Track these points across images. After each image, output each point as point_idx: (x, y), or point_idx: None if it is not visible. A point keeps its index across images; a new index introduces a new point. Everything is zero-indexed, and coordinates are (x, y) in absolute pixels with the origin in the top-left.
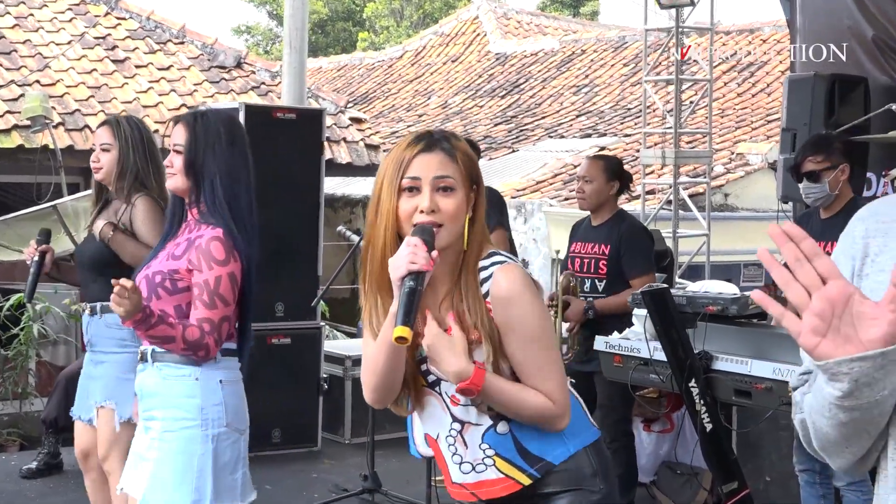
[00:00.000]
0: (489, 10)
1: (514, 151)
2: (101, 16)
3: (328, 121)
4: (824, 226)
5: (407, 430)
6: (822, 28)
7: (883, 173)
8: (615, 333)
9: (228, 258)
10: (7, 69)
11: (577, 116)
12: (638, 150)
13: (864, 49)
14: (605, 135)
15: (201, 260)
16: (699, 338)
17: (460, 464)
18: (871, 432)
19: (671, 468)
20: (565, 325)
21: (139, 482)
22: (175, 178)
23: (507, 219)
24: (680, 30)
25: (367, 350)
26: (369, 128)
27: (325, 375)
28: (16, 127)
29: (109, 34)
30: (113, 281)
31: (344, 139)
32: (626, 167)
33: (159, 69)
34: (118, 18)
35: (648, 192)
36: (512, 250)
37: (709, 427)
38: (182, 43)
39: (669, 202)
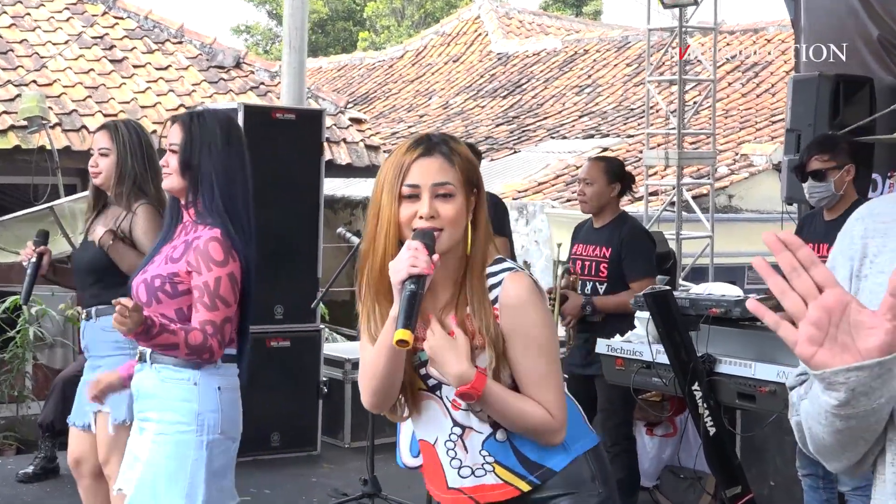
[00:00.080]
0: (491, 10)
1: (515, 152)
2: (99, 15)
3: (328, 121)
4: (828, 227)
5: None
6: (827, 28)
7: (888, 174)
8: (617, 336)
9: (227, 259)
10: (3, 69)
11: (580, 117)
12: (641, 151)
13: (870, 49)
14: (607, 135)
15: (200, 262)
16: (702, 341)
17: (459, 468)
18: (868, 439)
19: (674, 472)
20: (562, 320)
21: (133, 482)
22: (171, 178)
23: (508, 226)
24: (683, 29)
25: (364, 355)
26: (369, 128)
27: (324, 378)
28: (12, 127)
29: (107, 34)
30: (114, 301)
31: (344, 140)
32: (628, 168)
33: (157, 69)
34: (116, 18)
35: (651, 194)
36: (512, 258)
37: (712, 431)
38: (180, 43)
39: (673, 204)
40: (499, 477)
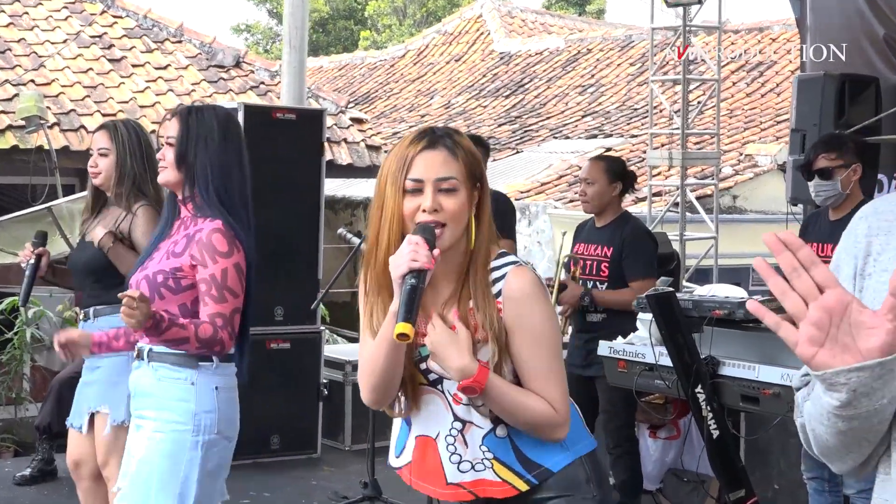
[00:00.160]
0: (493, 9)
1: (518, 152)
2: (97, 14)
3: (329, 121)
4: (833, 227)
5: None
6: (832, 27)
7: (894, 175)
8: (619, 338)
9: (231, 249)
10: (1, 68)
11: (583, 117)
12: (644, 151)
13: (875, 48)
14: (610, 135)
15: (204, 254)
16: (705, 342)
17: (459, 463)
18: (871, 440)
19: (677, 476)
20: (558, 309)
21: (127, 477)
22: (166, 172)
23: (514, 227)
24: (687, 28)
25: (364, 349)
26: (370, 128)
27: (324, 380)
28: (10, 127)
29: (105, 33)
30: (120, 294)
31: (345, 140)
32: (630, 167)
33: (156, 68)
34: (114, 17)
35: (655, 194)
36: None
37: (715, 434)
38: (180, 42)
39: (676, 204)
40: (497, 475)
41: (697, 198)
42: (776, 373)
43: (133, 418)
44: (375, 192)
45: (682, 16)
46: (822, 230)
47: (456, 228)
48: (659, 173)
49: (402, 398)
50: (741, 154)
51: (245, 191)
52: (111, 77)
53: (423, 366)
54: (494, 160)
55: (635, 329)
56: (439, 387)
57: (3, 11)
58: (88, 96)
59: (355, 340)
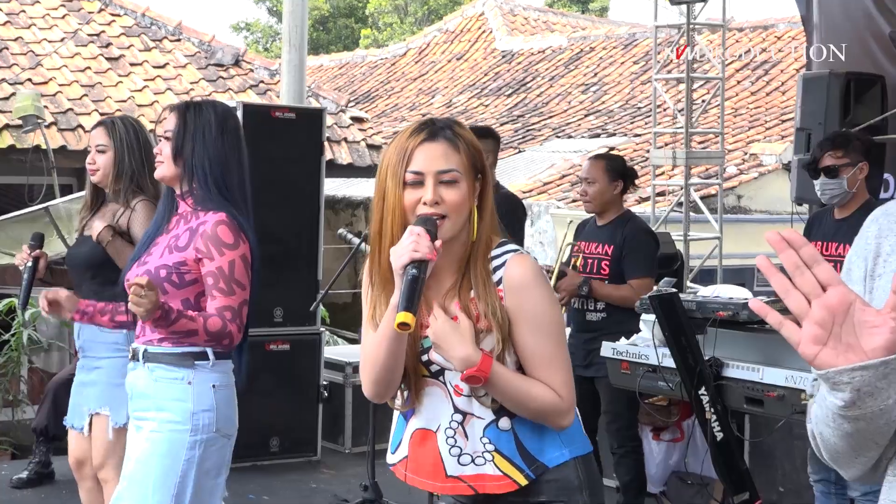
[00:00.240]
0: (495, 7)
1: (520, 152)
2: (95, 12)
3: (329, 120)
4: (838, 226)
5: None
6: (837, 25)
7: None
8: (623, 339)
9: (237, 240)
10: None
11: (586, 116)
12: (648, 151)
13: (881, 46)
14: (614, 135)
15: (210, 247)
16: (709, 344)
17: (459, 455)
18: (879, 442)
19: (681, 478)
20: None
21: (125, 477)
22: (163, 166)
23: (523, 230)
24: (691, 26)
25: (366, 342)
26: (371, 127)
27: (324, 382)
28: (7, 126)
29: (103, 31)
30: (127, 283)
31: (345, 139)
32: (634, 167)
33: (155, 67)
34: (112, 15)
35: (659, 194)
36: None
37: (719, 436)
38: (178, 40)
39: (680, 204)
40: (497, 467)
41: (701, 197)
42: (780, 374)
43: (132, 420)
44: (376, 185)
45: (685, 13)
46: (826, 229)
47: (457, 220)
48: (662, 173)
49: (405, 391)
50: (746, 153)
51: (244, 186)
52: (109, 76)
53: (425, 357)
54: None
55: (635, 328)
56: (441, 378)
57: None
58: (86, 95)
59: (356, 342)
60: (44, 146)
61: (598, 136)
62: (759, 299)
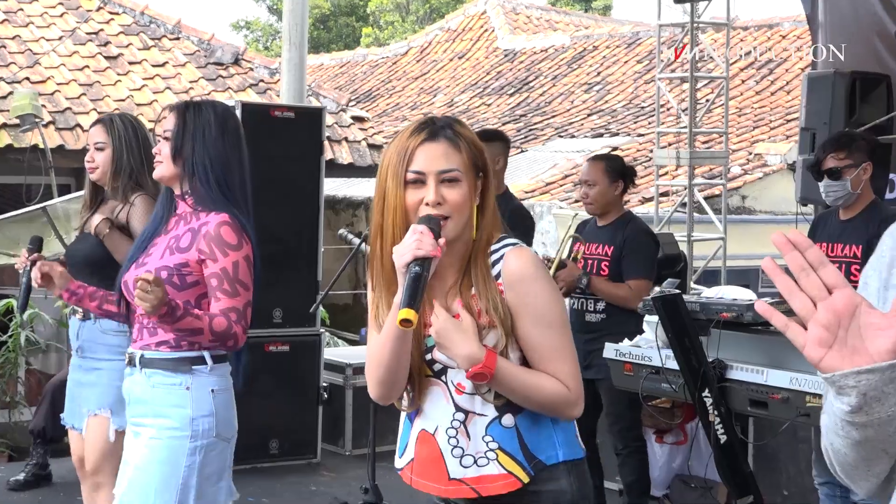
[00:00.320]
0: (497, 5)
1: (522, 151)
2: (94, 10)
3: (329, 120)
4: (843, 227)
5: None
6: (844, 24)
7: None
8: (626, 341)
9: (241, 241)
10: None
11: (589, 115)
12: (651, 151)
13: (886, 44)
14: (617, 134)
15: (214, 248)
16: (713, 346)
17: (461, 457)
18: (890, 451)
19: (685, 481)
20: None
21: (123, 483)
22: (162, 166)
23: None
24: (695, 25)
25: (371, 343)
26: (372, 127)
27: (324, 384)
28: (4, 126)
29: (102, 29)
30: (124, 284)
31: (345, 139)
32: (637, 167)
33: (154, 66)
34: (111, 13)
35: (662, 195)
36: None
37: (723, 439)
38: (177, 39)
39: (684, 204)
40: (501, 465)
41: (705, 198)
42: (785, 377)
43: (129, 425)
44: (377, 185)
45: (689, 12)
46: (832, 229)
47: (460, 220)
48: (666, 173)
49: (410, 392)
50: (750, 153)
51: (245, 186)
52: (107, 75)
53: (428, 356)
54: None
55: (635, 329)
56: (443, 377)
57: None
58: (84, 94)
59: (356, 343)
60: (41, 145)
61: (601, 135)
62: (764, 301)
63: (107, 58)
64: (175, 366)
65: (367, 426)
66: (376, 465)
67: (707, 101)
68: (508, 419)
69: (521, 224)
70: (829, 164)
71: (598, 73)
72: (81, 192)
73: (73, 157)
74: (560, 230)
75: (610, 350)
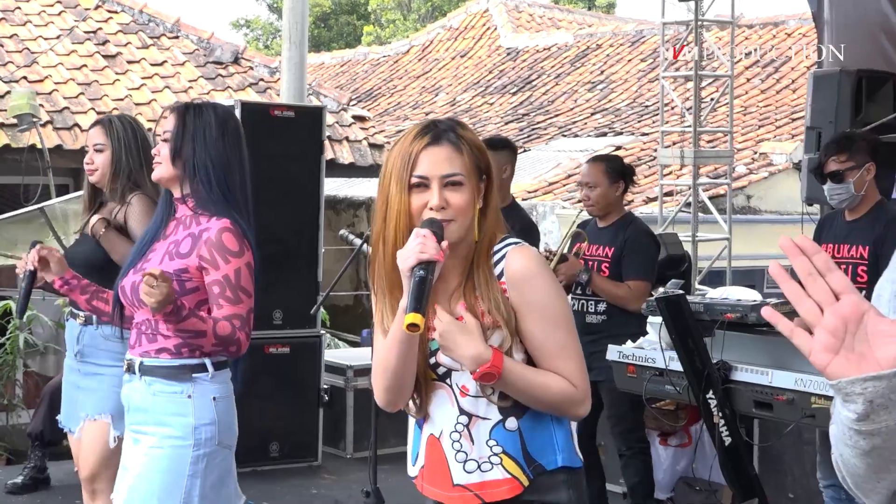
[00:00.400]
0: (500, 3)
1: (525, 151)
2: (92, 9)
3: (330, 119)
4: (849, 228)
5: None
6: (850, 22)
7: None
8: (629, 342)
9: (242, 248)
10: None
11: (592, 114)
12: (656, 150)
13: (893, 43)
14: (620, 133)
15: (215, 255)
16: (717, 347)
17: (465, 462)
18: None
19: (689, 484)
20: None
21: (124, 491)
22: (161, 167)
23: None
24: (700, 23)
25: (377, 348)
26: (373, 126)
27: (325, 386)
28: (2, 125)
29: (100, 28)
30: (121, 289)
31: (346, 138)
32: (641, 166)
33: (153, 65)
34: (109, 12)
35: (666, 194)
36: None
37: (728, 441)
38: (177, 37)
39: (688, 204)
40: (506, 469)
41: (710, 197)
42: (790, 378)
43: (129, 432)
44: (379, 189)
45: (693, 10)
46: (837, 231)
47: (463, 223)
48: (670, 172)
49: (417, 398)
50: (755, 152)
51: (246, 188)
52: (106, 74)
53: (433, 360)
54: None
55: (636, 330)
56: (447, 381)
57: None
58: (82, 93)
59: (357, 344)
60: (39, 145)
61: (604, 134)
62: (770, 305)
63: (105, 57)
64: (176, 374)
65: (369, 429)
66: (378, 468)
67: (712, 99)
68: (512, 422)
69: (528, 240)
70: (831, 168)
71: (602, 72)
72: (80, 193)
73: (71, 157)
74: (563, 230)
75: (613, 352)
